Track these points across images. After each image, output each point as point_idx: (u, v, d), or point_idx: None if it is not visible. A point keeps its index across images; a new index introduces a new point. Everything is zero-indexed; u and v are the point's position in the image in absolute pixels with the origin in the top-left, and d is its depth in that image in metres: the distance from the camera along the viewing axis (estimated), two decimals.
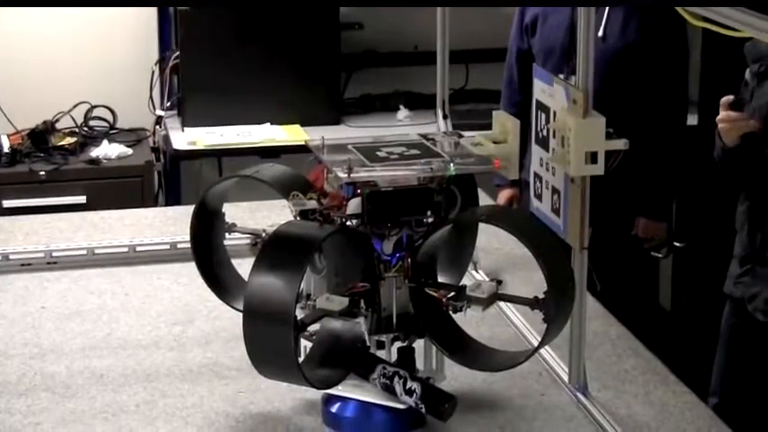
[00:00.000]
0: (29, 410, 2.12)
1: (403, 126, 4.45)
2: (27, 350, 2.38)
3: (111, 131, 4.58)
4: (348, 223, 1.98)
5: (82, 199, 4.20)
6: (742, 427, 2.17)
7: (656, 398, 2.16)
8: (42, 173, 4.22)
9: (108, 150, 4.35)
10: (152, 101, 4.59)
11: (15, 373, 2.27)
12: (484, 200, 2.62)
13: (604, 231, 3.46)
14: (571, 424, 2.07)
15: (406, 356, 2.02)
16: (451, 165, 2.01)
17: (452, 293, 1.96)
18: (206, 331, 2.45)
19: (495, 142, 2.11)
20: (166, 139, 4.39)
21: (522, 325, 2.39)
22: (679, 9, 1.76)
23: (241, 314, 1.88)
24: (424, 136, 2.16)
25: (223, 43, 4.37)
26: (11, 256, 2.79)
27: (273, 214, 2.78)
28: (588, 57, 2.01)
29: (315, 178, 2.09)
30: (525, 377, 2.21)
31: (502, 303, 2.31)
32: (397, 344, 2.02)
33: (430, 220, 2.00)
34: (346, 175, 1.94)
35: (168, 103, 4.57)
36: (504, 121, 2.13)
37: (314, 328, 1.97)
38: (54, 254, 2.81)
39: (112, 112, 4.61)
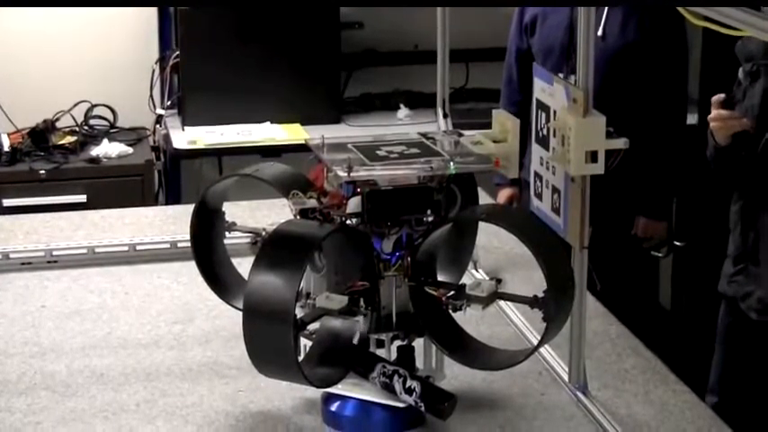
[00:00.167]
0: (29, 409, 2.12)
1: (403, 125, 4.45)
2: (27, 349, 2.38)
3: (112, 130, 4.57)
4: (348, 222, 1.98)
5: (82, 198, 4.20)
6: (741, 425, 2.17)
7: (655, 397, 2.16)
8: (42, 172, 4.22)
9: (108, 149, 4.35)
10: (152, 100, 4.59)
11: (15, 372, 2.27)
12: (484, 199, 2.62)
13: (604, 231, 3.46)
14: (571, 423, 2.07)
15: (406, 355, 2.02)
16: (451, 164, 2.01)
17: (452, 292, 1.96)
18: (206, 330, 2.45)
19: (494, 141, 2.11)
20: (167, 138, 4.39)
21: (522, 324, 2.39)
22: (679, 8, 1.76)
23: (241, 313, 1.88)
24: (424, 135, 2.16)
25: (223, 42, 4.37)
26: (11, 255, 2.79)
27: (273, 213, 2.78)
28: (588, 56, 2.01)
29: (315, 177, 2.09)
30: (525, 376, 2.21)
31: (502, 302, 2.31)
32: (397, 342, 2.02)
33: (430, 218, 2.00)
34: (346, 174, 1.94)
35: (168, 102, 4.57)
36: (503, 120, 2.13)
37: (314, 326, 1.97)
38: (54, 253, 2.81)
39: (113, 111, 4.60)
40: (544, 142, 2.16)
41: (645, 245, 3.82)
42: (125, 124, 4.62)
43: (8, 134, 4.36)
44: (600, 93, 2.03)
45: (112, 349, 2.37)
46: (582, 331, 2.11)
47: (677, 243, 4.17)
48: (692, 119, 3.99)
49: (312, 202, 2.00)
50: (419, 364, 2.05)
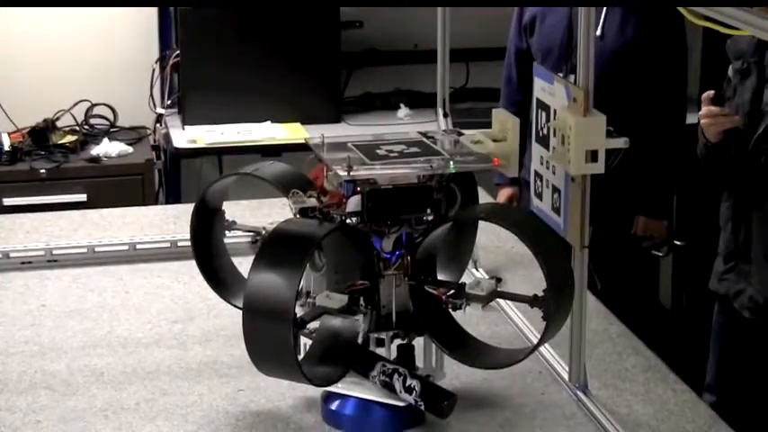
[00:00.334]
0: (29, 408, 2.13)
1: (403, 124, 4.45)
2: (27, 348, 2.38)
3: (112, 129, 4.57)
4: (348, 221, 1.99)
5: (82, 197, 4.20)
6: (740, 424, 2.17)
7: (656, 396, 2.16)
8: (43, 171, 4.21)
9: (108, 148, 4.35)
10: (152, 99, 4.59)
11: (16, 371, 2.27)
12: (484, 198, 2.62)
13: (605, 230, 3.47)
14: (571, 422, 2.07)
15: (406, 354, 2.02)
16: (451, 163, 2.02)
17: (452, 291, 1.96)
18: (206, 329, 2.45)
19: (494, 140, 2.11)
20: (167, 137, 4.38)
21: (522, 323, 2.39)
22: (679, 8, 1.76)
23: (241, 312, 1.88)
24: (424, 134, 2.16)
25: (224, 41, 4.37)
26: (11, 254, 2.79)
27: (273, 212, 2.79)
28: (588, 55, 2.01)
29: (315, 176, 2.09)
30: (525, 375, 2.21)
31: (501, 301, 2.31)
32: (397, 341, 2.02)
33: (430, 217, 2.00)
34: (346, 173, 1.94)
35: (169, 102, 4.57)
36: (503, 120, 2.13)
37: (313, 325, 1.97)
38: (54, 252, 2.81)
39: (113, 110, 4.60)
40: (544, 141, 2.16)
41: (645, 244, 3.82)
42: (125, 123, 4.62)
43: (8, 133, 4.36)
44: (599, 92, 2.03)
45: (112, 348, 2.37)
46: (582, 330, 2.11)
47: (677, 242, 4.17)
48: (691, 118, 3.98)
49: (312, 201, 2.00)
50: (419, 362, 2.05)
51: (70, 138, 4.40)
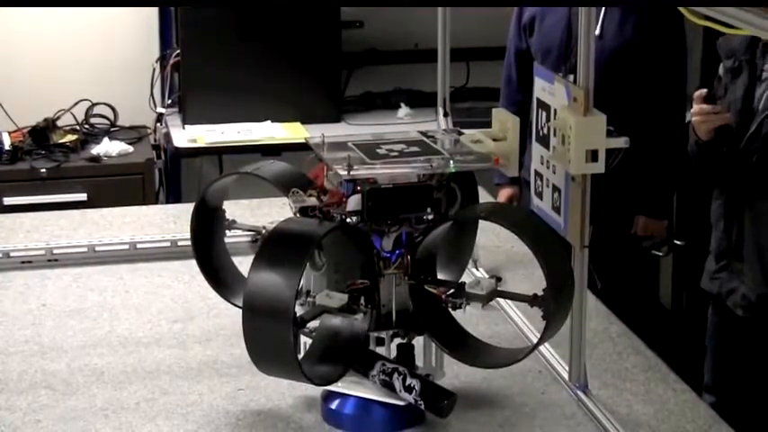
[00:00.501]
0: (29, 408, 2.13)
1: (403, 124, 4.45)
2: (27, 347, 2.38)
3: (112, 129, 4.57)
4: (348, 220, 1.99)
5: (83, 196, 4.19)
6: (740, 424, 2.16)
7: (656, 396, 2.16)
8: (43, 170, 4.21)
9: (109, 148, 4.35)
10: (153, 98, 4.59)
11: (16, 371, 2.27)
12: (484, 197, 2.62)
13: (605, 230, 3.46)
14: (571, 422, 2.07)
15: (406, 353, 2.02)
16: (451, 162, 2.02)
17: (452, 290, 1.96)
18: (206, 329, 2.45)
19: (494, 139, 2.11)
20: (167, 136, 4.38)
21: (522, 322, 2.39)
22: (679, 7, 1.76)
23: (241, 311, 1.88)
24: (424, 133, 2.16)
25: (224, 41, 4.36)
26: (12, 254, 2.79)
27: (273, 211, 2.79)
28: (589, 55, 2.01)
29: (315, 175, 2.09)
30: (525, 375, 2.21)
31: (501, 300, 2.31)
32: (397, 341, 2.02)
33: (430, 217, 2.00)
34: (346, 173, 1.94)
35: (169, 101, 4.57)
36: (503, 119, 2.13)
37: (313, 324, 1.98)
38: (55, 251, 2.81)
39: (113, 109, 4.60)
40: (545, 141, 2.16)
41: (645, 244, 3.82)
42: (126, 123, 4.61)
43: (9, 133, 4.36)
44: (598, 92, 2.03)
45: (113, 348, 2.37)
46: (582, 330, 2.11)
47: (677, 242, 4.17)
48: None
49: (312, 201, 2.01)
50: (419, 362, 2.05)
51: (70, 137, 4.40)
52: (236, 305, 2.16)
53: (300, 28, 4.38)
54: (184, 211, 2.80)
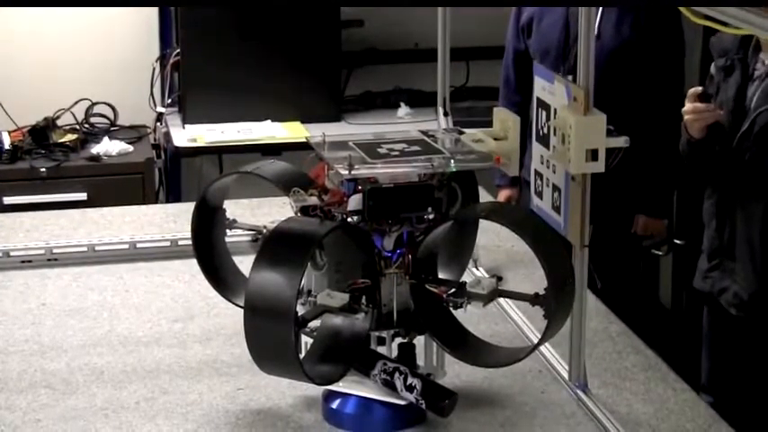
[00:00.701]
0: (29, 407, 2.13)
1: (403, 123, 4.44)
2: (27, 347, 2.38)
3: (112, 128, 4.57)
4: (349, 220, 1.99)
5: (83, 196, 4.20)
6: (739, 423, 2.16)
7: (656, 395, 2.16)
8: (43, 170, 4.21)
9: (109, 147, 4.35)
10: (153, 98, 4.59)
11: (16, 370, 2.27)
12: (484, 197, 2.62)
13: (605, 229, 3.46)
14: (571, 421, 2.07)
15: (407, 353, 2.02)
16: (452, 161, 2.02)
17: (453, 290, 1.96)
18: (206, 328, 2.45)
19: (495, 139, 2.11)
20: (167, 136, 4.38)
21: (523, 322, 2.39)
22: (679, 7, 1.76)
23: (242, 310, 1.88)
24: (425, 133, 2.16)
25: (224, 40, 4.36)
26: (11, 253, 2.79)
27: (274, 211, 2.79)
28: (588, 54, 2.01)
29: (316, 175, 2.09)
30: (525, 374, 2.21)
31: (502, 300, 2.31)
32: (398, 340, 2.03)
33: (430, 216, 2.00)
34: (347, 172, 1.94)
35: (169, 100, 4.57)
36: (504, 118, 2.13)
37: (314, 324, 1.97)
38: (55, 251, 2.81)
39: (113, 109, 4.60)
40: (545, 141, 2.16)
41: (645, 243, 3.82)
42: (125, 122, 4.61)
43: (9, 132, 4.36)
44: (596, 91, 2.03)
45: (113, 347, 2.37)
46: (582, 329, 2.11)
47: (677, 241, 4.16)
48: None
49: (313, 200, 2.01)
50: (420, 361, 2.05)
51: (70, 136, 4.40)
52: (236, 304, 2.16)
53: (300, 27, 4.38)
54: (184, 210, 2.80)
